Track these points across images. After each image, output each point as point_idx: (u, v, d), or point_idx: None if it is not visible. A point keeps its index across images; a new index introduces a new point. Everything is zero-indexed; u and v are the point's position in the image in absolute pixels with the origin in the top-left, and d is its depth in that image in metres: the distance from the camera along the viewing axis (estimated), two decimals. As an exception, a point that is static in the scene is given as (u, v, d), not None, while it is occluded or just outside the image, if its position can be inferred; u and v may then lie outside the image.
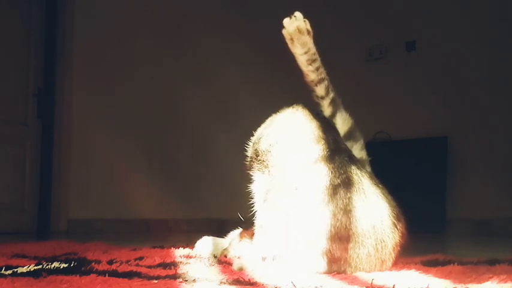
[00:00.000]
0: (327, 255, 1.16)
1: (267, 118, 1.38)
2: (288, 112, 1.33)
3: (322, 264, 1.17)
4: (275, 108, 1.39)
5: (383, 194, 1.26)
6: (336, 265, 1.18)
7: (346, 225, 1.16)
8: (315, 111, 1.36)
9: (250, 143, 1.37)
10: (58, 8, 4.44)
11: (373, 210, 1.21)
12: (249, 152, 1.36)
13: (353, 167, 1.23)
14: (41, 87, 4.33)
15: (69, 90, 4.34)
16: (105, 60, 4.49)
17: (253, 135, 1.38)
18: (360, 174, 1.23)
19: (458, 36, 4.34)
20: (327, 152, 1.22)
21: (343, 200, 1.17)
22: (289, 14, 1.37)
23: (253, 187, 1.33)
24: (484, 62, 4.20)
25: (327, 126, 1.31)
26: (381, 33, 4.77)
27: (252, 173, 1.33)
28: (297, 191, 1.19)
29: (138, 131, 4.59)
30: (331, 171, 1.19)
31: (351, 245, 1.17)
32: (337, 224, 1.16)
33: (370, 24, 4.80)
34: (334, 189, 1.17)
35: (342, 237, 1.16)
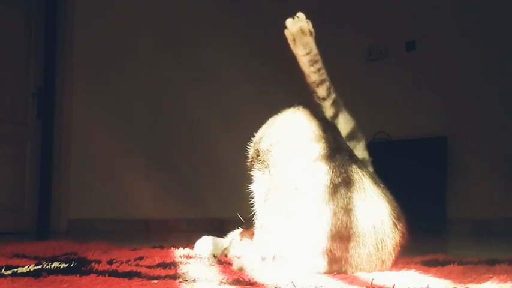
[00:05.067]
0: (327, 254, 1.16)
1: (267, 118, 1.38)
2: (289, 112, 1.33)
3: (323, 264, 1.17)
4: (276, 108, 1.38)
5: (384, 194, 1.25)
6: (337, 265, 1.18)
7: (346, 225, 1.16)
8: (316, 111, 1.36)
9: (252, 143, 1.37)
10: (58, 8, 4.44)
11: (374, 210, 1.20)
12: (250, 152, 1.36)
13: (354, 166, 1.23)
14: (41, 87, 4.33)
15: (69, 90, 4.34)
16: (105, 60, 4.49)
17: (253, 135, 1.38)
18: (360, 174, 1.23)
19: (458, 36, 4.34)
20: (328, 150, 1.22)
21: (343, 199, 1.17)
22: (290, 15, 1.37)
23: (254, 187, 1.32)
24: (484, 62, 4.19)
25: (327, 125, 1.31)
26: (380, 33, 4.77)
27: (252, 173, 1.33)
28: (298, 191, 1.18)
29: (138, 131, 4.59)
30: (332, 170, 1.19)
31: (351, 245, 1.17)
32: (338, 223, 1.15)
33: (370, 24, 4.79)
34: (335, 188, 1.17)
35: (342, 236, 1.16)
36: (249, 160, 1.36)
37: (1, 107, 4.08)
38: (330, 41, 4.68)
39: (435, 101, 4.39)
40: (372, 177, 1.27)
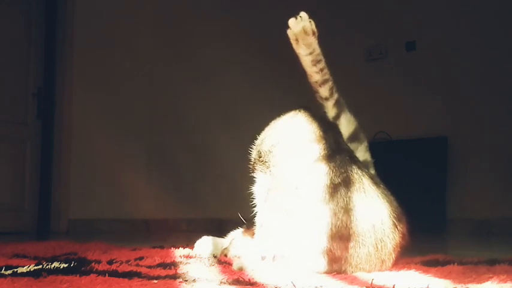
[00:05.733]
0: (327, 254, 1.16)
1: (267, 118, 1.38)
2: (290, 115, 1.34)
3: (323, 263, 1.17)
4: (275, 109, 1.39)
5: (384, 194, 1.26)
6: (337, 265, 1.18)
7: (346, 224, 1.16)
8: (317, 113, 1.37)
9: (254, 146, 1.37)
10: (58, 8, 4.44)
11: (373, 210, 1.21)
12: (253, 154, 1.36)
13: (354, 167, 1.24)
14: (41, 87, 4.33)
15: (69, 90, 4.34)
16: (105, 60, 4.49)
17: (253, 135, 1.38)
18: (360, 174, 1.23)
19: (458, 36, 4.34)
20: (328, 151, 1.22)
21: (343, 199, 1.17)
22: (290, 15, 1.37)
23: (255, 188, 1.33)
24: (484, 62, 4.19)
25: (328, 127, 1.32)
26: (380, 33, 4.76)
27: (254, 175, 1.33)
28: (298, 190, 1.19)
29: (138, 131, 4.59)
30: (332, 170, 1.19)
31: (351, 244, 1.17)
32: (338, 222, 1.16)
33: (370, 24, 4.79)
34: (335, 188, 1.17)
35: (342, 236, 1.16)
36: (251, 162, 1.36)
37: (1, 107, 4.08)
38: (330, 41, 4.67)
39: (435, 101, 4.38)
40: (372, 178, 1.27)
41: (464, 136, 4.22)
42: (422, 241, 2.24)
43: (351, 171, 1.22)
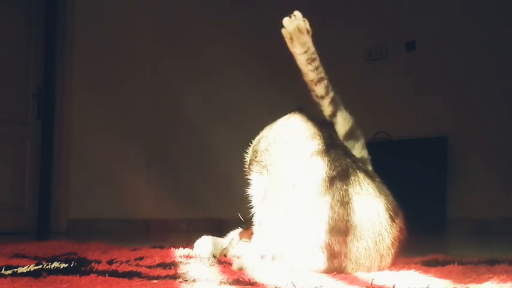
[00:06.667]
0: (326, 249, 1.16)
1: (267, 118, 1.39)
2: (285, 117, 1.37)
3: (322, 259, 1.17)
4: (275, 109, 1.39)
5: (379, 188, 1.26)
6: (337, 260, 1.18)
7: (343, 217, 1.17)
8: (311, 113, 1.38)
9: (250, 148, 1.38)
10: (58, 8, 4.45)
11: (370, 203, 1.21)
12: (249, 154, 1.37)
13: (348, 161, 1.25)
14: (41, 87, 4.33)
15: (69, 90, 4.34)
16: (105, 60, 4.49)
17: (253, 135, 1.39)
18: (355, 168, 1.24)
19: (458, 36, 4.34)
20: (323, 146, 1.24)
21: (339, 192, 1.18)
22: (290, 14, 1.37)
23: (252, 190, 1.33)
24: (484, 62, 4.19)
25: (323, 125, 1.33)
26: (381, 33, 4.76)
27: (250, 177, 1.34)
28: (295, 187, 1.19)
29: (138, 131, 4.59)
30: (327, 164, 1.20)
31: (349, 238, 1.17)
32: (335, 216, 1.16)
33: (370, 24, 4.79)
34: (331, 181, 1.18)
35: (340, 229, 1.16)
36: (247, 163, 1.37)
37: (1, 107, 4.08)
38: (330, 41, 4.68)
39: (435, 101, 4.39)
40: (366, 172, 1.28)
41: (464, 136, 4.22)
42: (422, 241, 2.25)
43: (346, 165, 1.23)
